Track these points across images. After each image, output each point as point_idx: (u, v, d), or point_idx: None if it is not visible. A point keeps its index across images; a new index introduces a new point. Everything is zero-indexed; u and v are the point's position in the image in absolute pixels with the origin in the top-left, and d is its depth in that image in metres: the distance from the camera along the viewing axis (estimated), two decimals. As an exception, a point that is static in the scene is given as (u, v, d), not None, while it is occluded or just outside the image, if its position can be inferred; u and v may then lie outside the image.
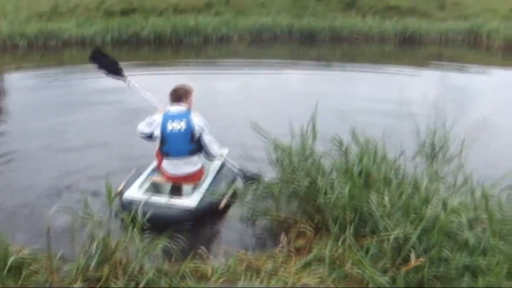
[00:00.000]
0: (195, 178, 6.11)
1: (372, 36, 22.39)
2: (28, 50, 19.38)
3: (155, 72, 15.57)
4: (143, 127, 6.10)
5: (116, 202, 5.67)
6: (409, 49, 21.70)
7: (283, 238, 4.75)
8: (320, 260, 4.23)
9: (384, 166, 4.85)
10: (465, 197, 4.45)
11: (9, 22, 21.01)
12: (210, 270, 4.29)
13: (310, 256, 4.29)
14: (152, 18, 22.46)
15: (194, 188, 6.06)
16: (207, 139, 5.97)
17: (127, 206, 5.49)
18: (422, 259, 3.80)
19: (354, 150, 5.11)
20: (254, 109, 9.36)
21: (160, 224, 5.03)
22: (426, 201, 4.20)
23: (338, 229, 4.37)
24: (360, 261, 3.95)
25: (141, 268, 4.09)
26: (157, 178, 6.23)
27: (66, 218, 4.41)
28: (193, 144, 5.93)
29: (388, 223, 4.07)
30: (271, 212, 5.17)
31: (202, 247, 4.76)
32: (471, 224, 4.00)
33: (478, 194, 4.31)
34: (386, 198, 4.27)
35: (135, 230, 4.26)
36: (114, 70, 6.91)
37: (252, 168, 6.31)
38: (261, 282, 4.05)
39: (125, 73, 6.91)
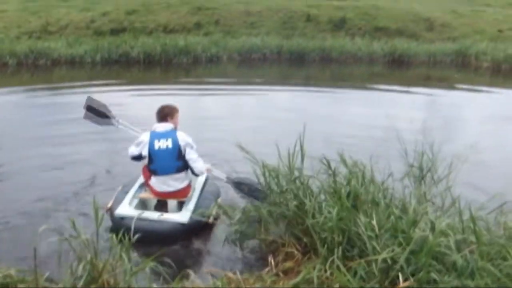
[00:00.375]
0: (183, 194, 6.25)
1: (361, 57, 22.55)
2: (18, 68, 19.37)
3: (144, 92, 15.58)
4: (132, 149, 6.24)
5: (104, 220, 5.66)
6: (397, 70, 21.86)
7: (271, 260, 4.72)
8: (308, 282, 4.20)
9: (372, 188, 4.84)
10: (453, 219, 4.45)
11: (-2, 40, 21.04)
12: (198, 292, 4.27)
13: (298, 278, 4.25)
14: (142, 38, 22.56)
15: (179, 203, 6.22)
16: (193, 156, 6.07)
17: (119, 222, 5.64)
18: (410, 281, 3.79)
19: (342, 172, 5.10)
20: (242, 129, 9.38)
21: (153, 238, 5.36)
22: (414, 223, 4.18)
23: (326, 251, 4.35)
24: (348, 283, 3.93)
25: (129, 289, 4.06)
26: (144, 194, 6.34)
27: (53, 238, 4.36)
28: (180, 161, 6.06)
29: (376, 245, 4.06)
30: (259, 234, 5.15)
31: (190, 269, 4.73)
32: (459, 246, 3.99)
33: (466, 216, 4.30)
34: (374, 220, 4.26)
35: (123, 250, 4.23)
36: (105, 115, 7.30)
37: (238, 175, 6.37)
38: (249, 304, 4.03)
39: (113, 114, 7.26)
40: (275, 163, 5.29)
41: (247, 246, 5.33)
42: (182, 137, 6.06)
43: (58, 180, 7.39)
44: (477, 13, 28.54)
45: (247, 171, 5.60)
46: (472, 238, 4.01)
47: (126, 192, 6.33)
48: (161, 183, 6.12)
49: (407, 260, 3.89)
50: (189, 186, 6.32)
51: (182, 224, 5.70)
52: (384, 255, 3.92)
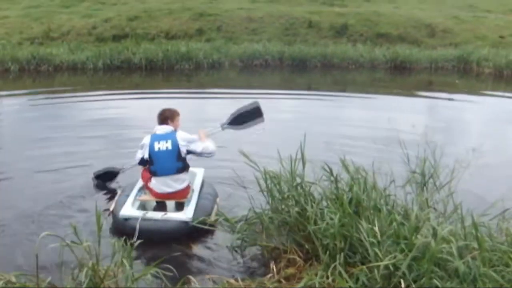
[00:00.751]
0: (182, 195, 6.37)
1: (362, 63, 22.53)
2: (20, 74, 19.39)
3: (146, 97, 15.62)
4: (138, 154, 6.46)
5: (106, 223, 5.71)
6: (399, 76, 21.85)
7: (273, 266, 4.72)
8: (310, 289, 4.20)
9: (374, 195, 4.83)
10: (455, 226, 4.44)
11: (0, 46, 21.04)
12: (199, 298, 4.27)
13: (300, 284, 4.24)
14: (144, 44, 22.56)
15: (178, 205, 6.37)
16: (197, 148, 6.27)
17: (123, 223, 5.84)
18: (412, 288, 3.78)
19: (344, 178, 5.10)
20: (243, 135, 9.36)
21: (157, 237, 5.59)
22: (416, 229, 4.18)
23: (328, 257, 4.35)
24: (350, 290, 3.93)
25: (130, 296, 4.05)
26: (144, 197, 6.47)
27: (54, 244, 4.35)
28: (180, 162, 6.22)
29: (378, 252, 4.05)
30: (260, 241, 5.14)
31: (192, 275, 4.73)
32: (461, 253, 3.98)
33: (468, 222, 4.30)
34: (376, 227, 4.25)
35: (125, 255, 4.22)
36: (112, 175, 7.51)
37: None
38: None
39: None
40: (277, 169, 5.28)
41: (249, 252, 5.31)
42: (181, 137, 6.22)
43: (58, 185, 7.39)
44: (478, 19, 28.53)
45: (250, 177, 5.57)
46: (474, 245, 4.01)
47: (127, 195, 6.42)
48: (161, 184, 6.24)
49: (409, 267, 3.89)
50: (188, 187, 6.45)
51: (186, 223, 5.79)
52: (386, 261, 3.92)
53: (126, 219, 5.85)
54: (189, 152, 6.26)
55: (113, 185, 7.44)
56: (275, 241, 5.08)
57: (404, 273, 3.86)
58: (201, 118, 11.05)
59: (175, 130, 6.31)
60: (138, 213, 5.87)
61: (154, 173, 6.25)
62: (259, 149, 6.81)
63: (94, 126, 11.25)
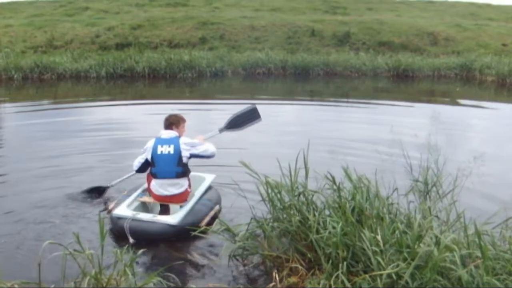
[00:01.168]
0: (180, 199, 6.47)
1: (365, 72, 22.59)
2: (23, 83, 19.46)
3: (149, 106, 15.65)
4: (136, 162, 6.57)
5: (106, 225, 5.73)
6: (402, 84, 21.87)
7: (275, 275, 4.71)
8: (312, 298, 4.19)
9: (377, 203, 4.82)
10: (458, 234, 4.43)
11: (4, 55, 21.13)
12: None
13: (303, 293, 4.25)
14: (147, 53, 22.66)
15: (180, 208, 6.42)
16: (199, 151, 6.41)
17: (116, 222, 6.03)
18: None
19: (346, 187, 5.09)
20: (245, 143, 9.37)
21: (145, 238, 5.75)
22: (419, 238, 4.17)
23: (331, 266, 4.33)
24: (352, 299, 3.92)
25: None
26: (145, 198, 6.61)
27: (57, 252, 4.34)
28: (180, 167, 6.35)
29: (381, 261, 4.04)
30: (262, 250, 5.13)
31: (194, 284, 4.73)
32: (464, 261, 3.97)
33: (471, 230, 4.28)
34: (379, 235, 4.24)
35: (127, 265, 4.22)
36: (100, 191, 7.47)
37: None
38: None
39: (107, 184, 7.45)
40: (278, 178, 5.27)
41: (251, 261, 5.29)
42: (184, 141, 6.36)
43: (60, 191, 7.38)
44: (480, 27, 28.60)
45: (252, 186, 5.56)
46: (478, 253, 3.99)
47: (129, 196, 6.63)
48: (159, 187, 6.37)
49: (412, 276, 3.87)
50: (186, 192, 6.52)
51: (172, 226, 5.90)
52: (389, 270, 3.91)
53: (119, 218, 6.01)
54: (192, 155, 6.38)
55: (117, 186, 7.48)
56: (277, 250, 5.07)
57: (407, 282, 3.84)
58: (203, 128, 11.09)
59: (179, 136, 6.44)
60: (129, 213, 6.03)
61: (154, 175, 6.38)
62: (260, 157, 6.79)
63: (96, 133, 11.27)
